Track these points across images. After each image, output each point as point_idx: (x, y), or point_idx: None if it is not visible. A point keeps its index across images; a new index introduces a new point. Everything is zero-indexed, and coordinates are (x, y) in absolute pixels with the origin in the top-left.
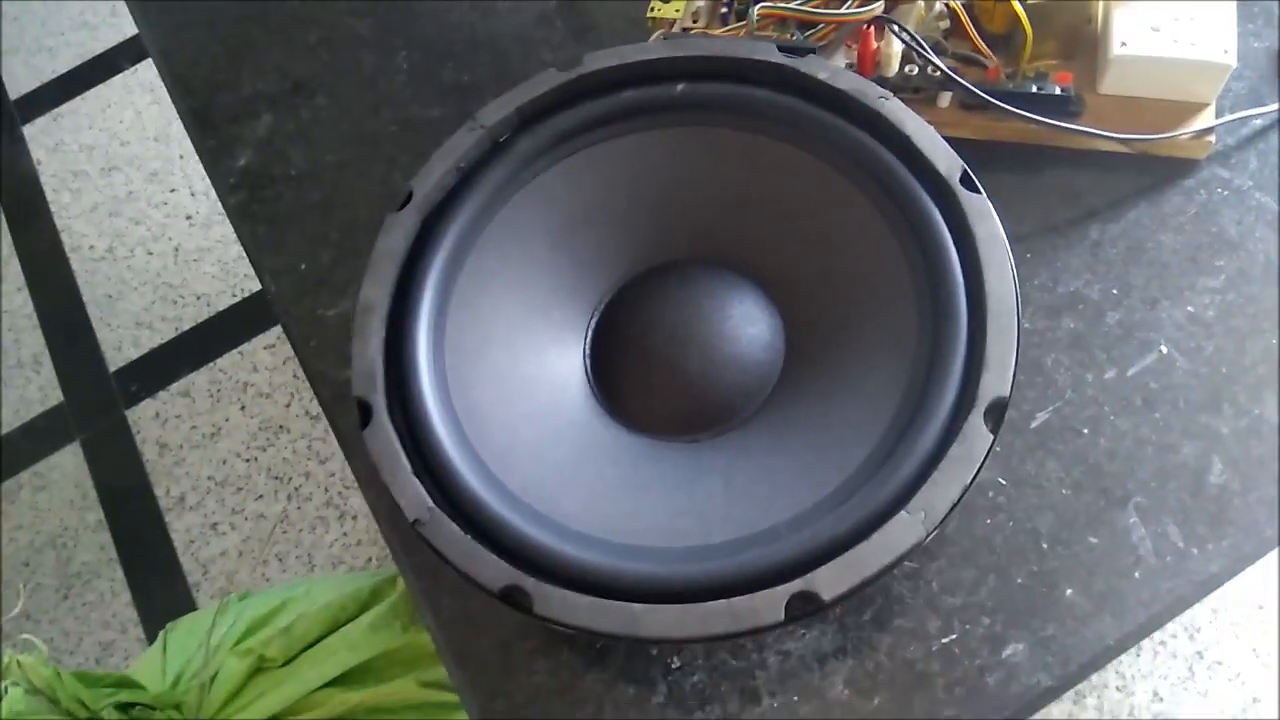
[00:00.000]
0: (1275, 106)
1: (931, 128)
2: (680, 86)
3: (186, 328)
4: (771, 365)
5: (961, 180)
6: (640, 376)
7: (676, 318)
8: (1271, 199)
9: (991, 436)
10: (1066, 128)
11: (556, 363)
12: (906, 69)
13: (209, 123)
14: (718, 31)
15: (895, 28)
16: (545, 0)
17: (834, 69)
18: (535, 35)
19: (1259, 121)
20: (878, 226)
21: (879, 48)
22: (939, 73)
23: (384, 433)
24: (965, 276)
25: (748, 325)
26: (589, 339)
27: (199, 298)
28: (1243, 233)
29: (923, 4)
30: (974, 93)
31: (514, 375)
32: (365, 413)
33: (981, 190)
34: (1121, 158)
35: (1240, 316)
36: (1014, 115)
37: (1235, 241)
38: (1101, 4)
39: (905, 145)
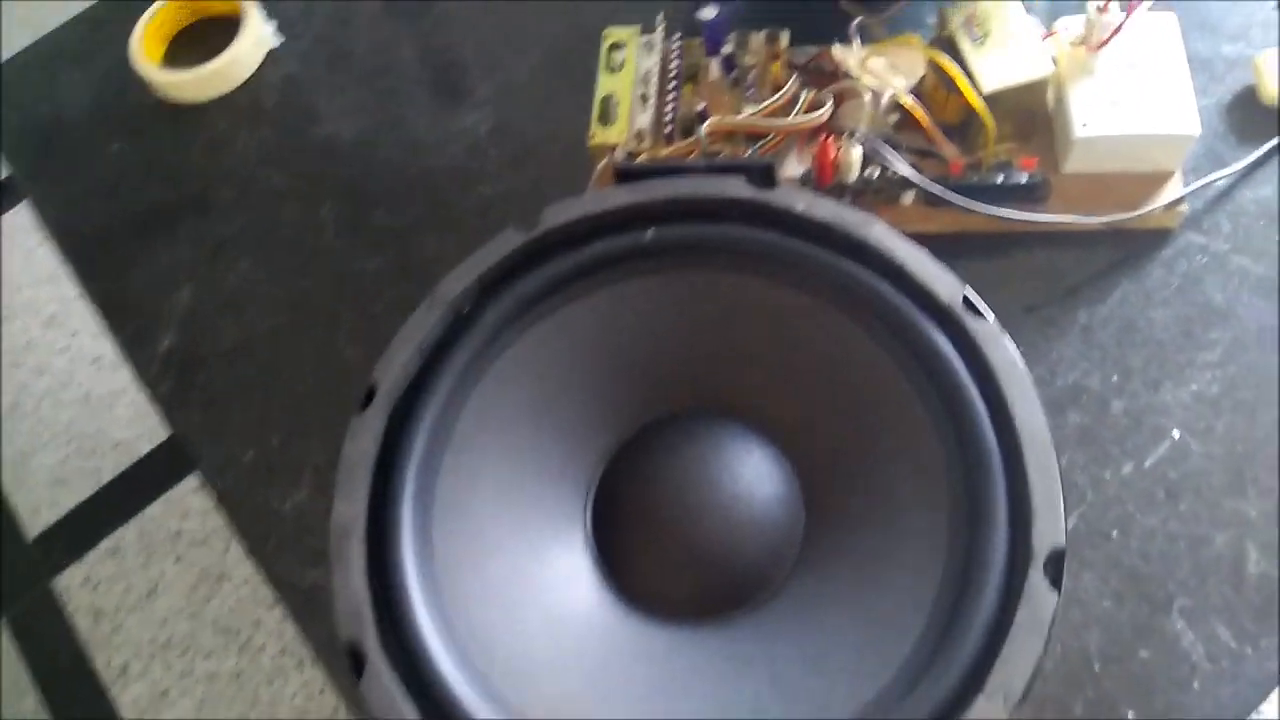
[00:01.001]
0: (1237, 166)
1: (924, 251)
2: (649, 232)
3: (107, 479)
4: (793, 524)
5: (965, 305)
6: (652, 555)
7: (681, 482)
8: (1250, 261)
9: (1056, 594)
10: (1037, 219)
11: (560, 558)
12: (867, 172)
13: (123, 305)
14: (665, 151)
15: (855, 135)
16: (474, 129)
17: (809, 198)
18: (469, 168)
19: (1223, 182)
20: (884, 363)
21: (837, 155)
22: (901, 175)
23: (383, 686)
24: (990, 413)
25: (760, 482)
26: (589, 523)
27: (116, 445)
28: (1229, 300)
29: (869, 100)
30: (939, 193)
31: (516, 582)
32: (358, 662)
33: (987, 314)
34: (1097, 233)
35: (1245, 389)
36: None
37: (1224, 310)
38: (1055, 83)
39: (898, 273)
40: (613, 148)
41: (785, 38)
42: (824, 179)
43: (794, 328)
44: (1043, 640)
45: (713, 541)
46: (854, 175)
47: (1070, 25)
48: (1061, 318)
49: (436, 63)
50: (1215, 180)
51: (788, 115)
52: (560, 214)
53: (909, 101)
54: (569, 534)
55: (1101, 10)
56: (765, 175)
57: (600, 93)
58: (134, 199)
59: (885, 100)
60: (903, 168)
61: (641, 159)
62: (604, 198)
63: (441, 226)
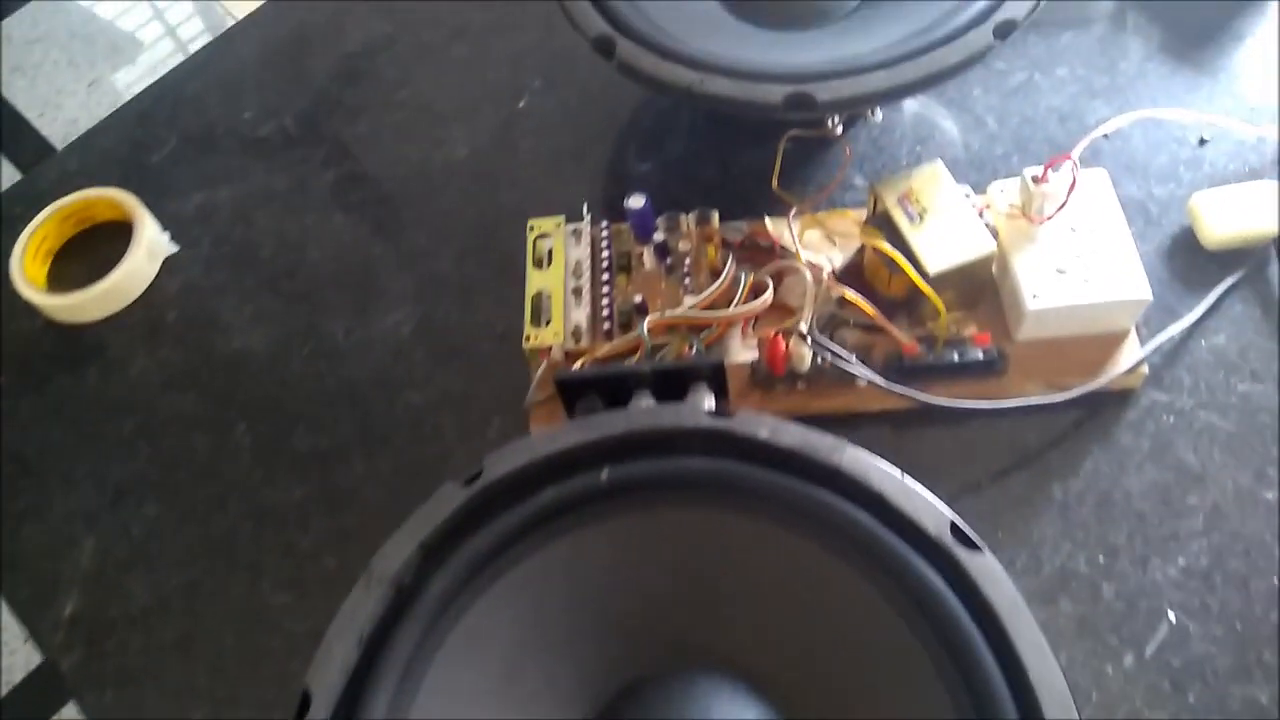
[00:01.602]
0: (1189, 318)
1: (905, 480)
2: (604, 473)
3: None
4: None
5: (955, 536)
6: None
7: None
8: (1216, 416)
9: None
10: (999, 405)
11: None
12: (820, 359)
13: (15, 565)
14: (605, 349)
15: (802, 333)
16: (396, 330)
17: (772, 423)
18: (394, 374)
19: (1177, 333)
20: (874, 602)
21: (788, 349)
22: (854, 361)
23: None
24: (998, 662)
25: None
26: None
27: None
28: (1202, 460)
29: (809, 276)
30: (894, 382)
31: None
32: None
33: (980, 545)
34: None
35: (1233, 558)
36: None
37: (1199, 473)
38: (998, 253)
39: (878, 501)
40: (549, 350)
41: (715, 218)
42: (776, 369)
43: (772, 566)
44: None
45: None
46: (806, 366)
47: (1004, 191)
48: (1036, 495)
49: (349, 259)
50: (1170, 334)
51: (729, 302)
52: (503, 462)
53: (850, 295)
54: None
55: (1039, 181)
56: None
57: (531, 289)
58: (21, 441)
59: (826, 276)
60: (854, 367)
61: (582, 362)
62: (550, 439)
63: (369, 444)
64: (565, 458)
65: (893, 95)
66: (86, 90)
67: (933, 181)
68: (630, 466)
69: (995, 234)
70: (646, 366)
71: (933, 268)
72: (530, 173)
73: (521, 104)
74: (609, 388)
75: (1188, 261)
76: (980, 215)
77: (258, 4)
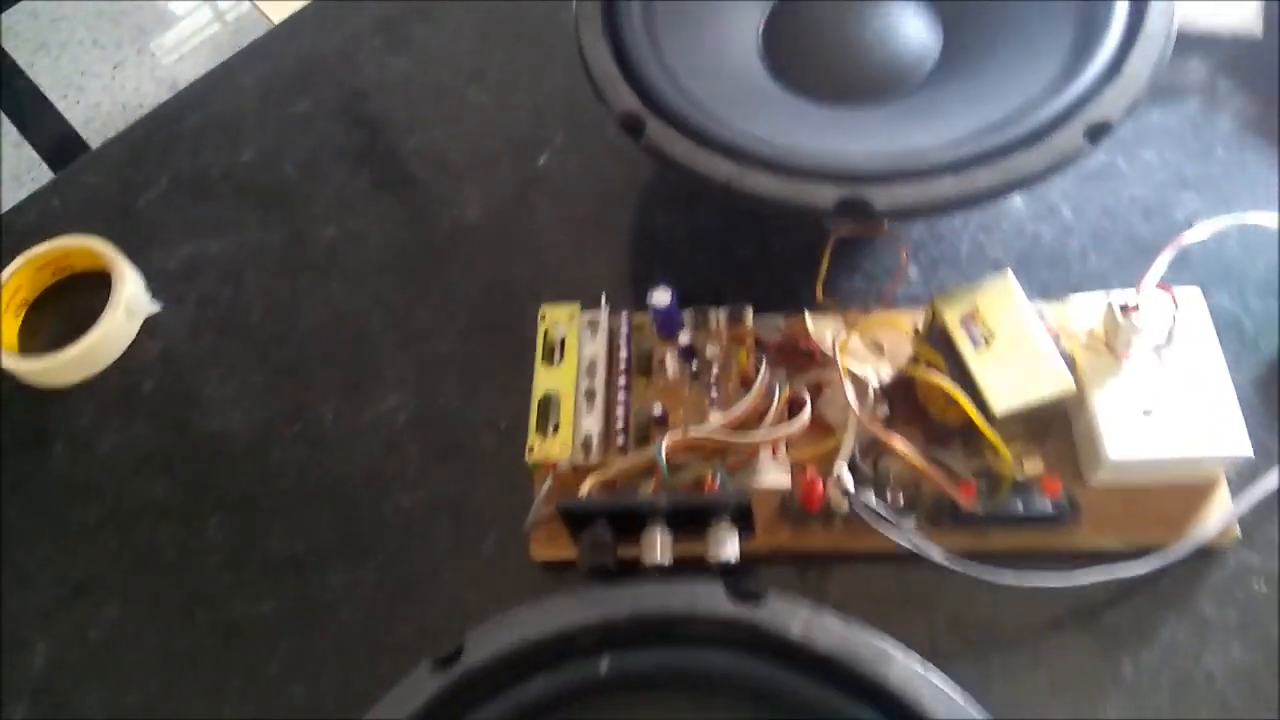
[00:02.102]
0: None
1: (957, 694)
2: (605, 662)
3: None
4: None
5: None
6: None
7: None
8: None
9: None
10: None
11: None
12: (863, 496)
13: None
14: (616, 466)
15: (844, 479)
16: (391, 418)
17: (807, 616)
18: (384, 470)
19: (1273, 481)
20: None
21: (825, 491)
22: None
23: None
24: None
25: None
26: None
27: None
28: None
29: (853, 395)
30: (945, 525)
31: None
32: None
33: None
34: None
35: None
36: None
37: None
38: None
39: None
40: (554, 465)
41: (749, 315)
42: (811, 508)
43: None
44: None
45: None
46: (845, 507)
47: (1083, 310)
48: (1102, 669)
49: (345, 329)
50: (1268, 486)
51: (760, 415)
52: (487, 642)
53: (899, 446)
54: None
55: (1128, 311)
56: (746, 584)
57: (538, 390)
58: None
59: (872, 391)
60: (899, 533)
61: (590, 484)
62: (543, 615)
63: (350, 553)
64: (559, 640)
65: (962, 204)
66: (111, 73)
67: (1002, 299)
68: (635, 656)
69: (1072, 363)
70: (662, 500)
71: (999, 406)
72: (547, 241)
73: (542, 161)
74: (619, 518)
75: None
76: (1056, 340)
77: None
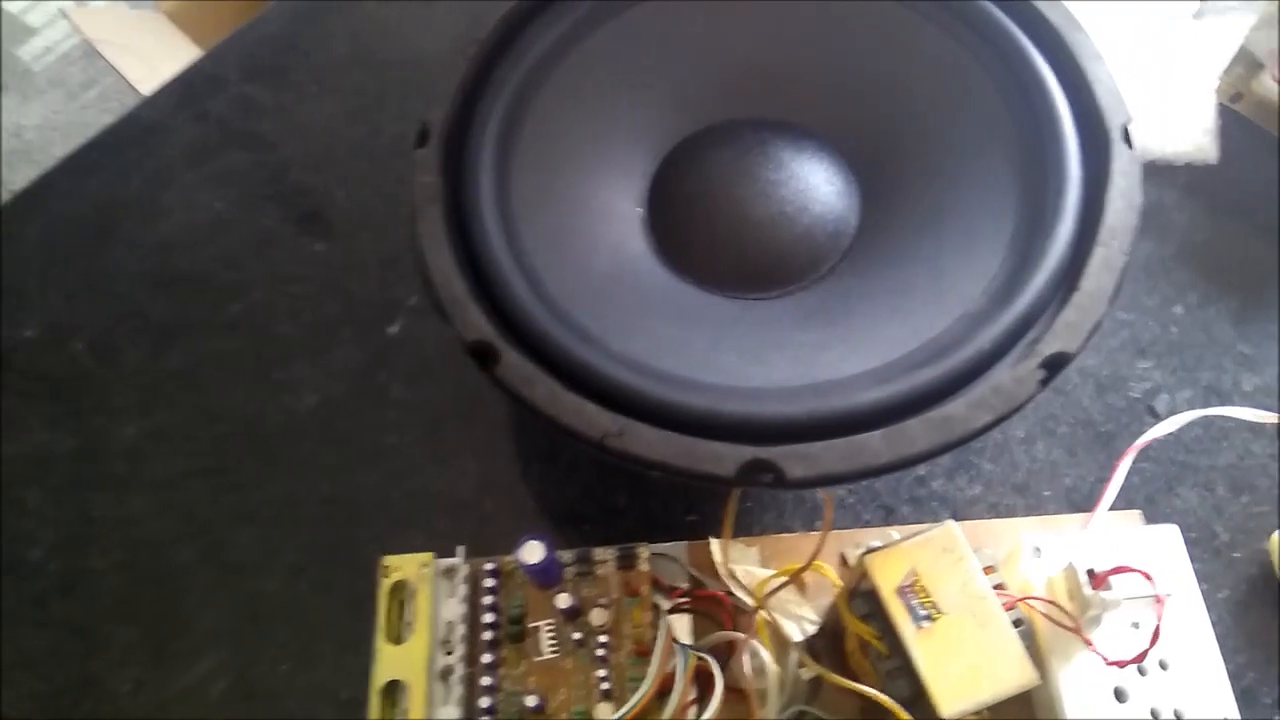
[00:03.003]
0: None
1: None
2: None
3: None
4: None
5: None
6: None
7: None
8: None
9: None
10: None
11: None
12: None
13: None
14: None
15: None
16: (202, 691)
17: None
18: None
19: None
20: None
21: None
22: None
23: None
24: None
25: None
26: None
27: None
28: None
29: (770, 664)
30: None
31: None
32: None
33: None
34: None
35: None
36: None
37: None
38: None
39: None
40: None
41: (644, 558)
42: None
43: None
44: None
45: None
46: None
47: (1041, 556)
48: None
49: (146, 567)
50: None
51: (667, 702)
52: None
53: None
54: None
55: (1096, 583)
56: None
57: (380, 675)
58: None
59: (794, 652)
60: None
61: None
62: None
63: None
64: None
65: (892, 469)
66: None
67: (947, 558)
68: None
69: (1031, 634)
70: None
71: (948, 708)
72: (400, 439)
73: (394, 329)
74: None
75: (1270, 620)
76: (1012, 608)
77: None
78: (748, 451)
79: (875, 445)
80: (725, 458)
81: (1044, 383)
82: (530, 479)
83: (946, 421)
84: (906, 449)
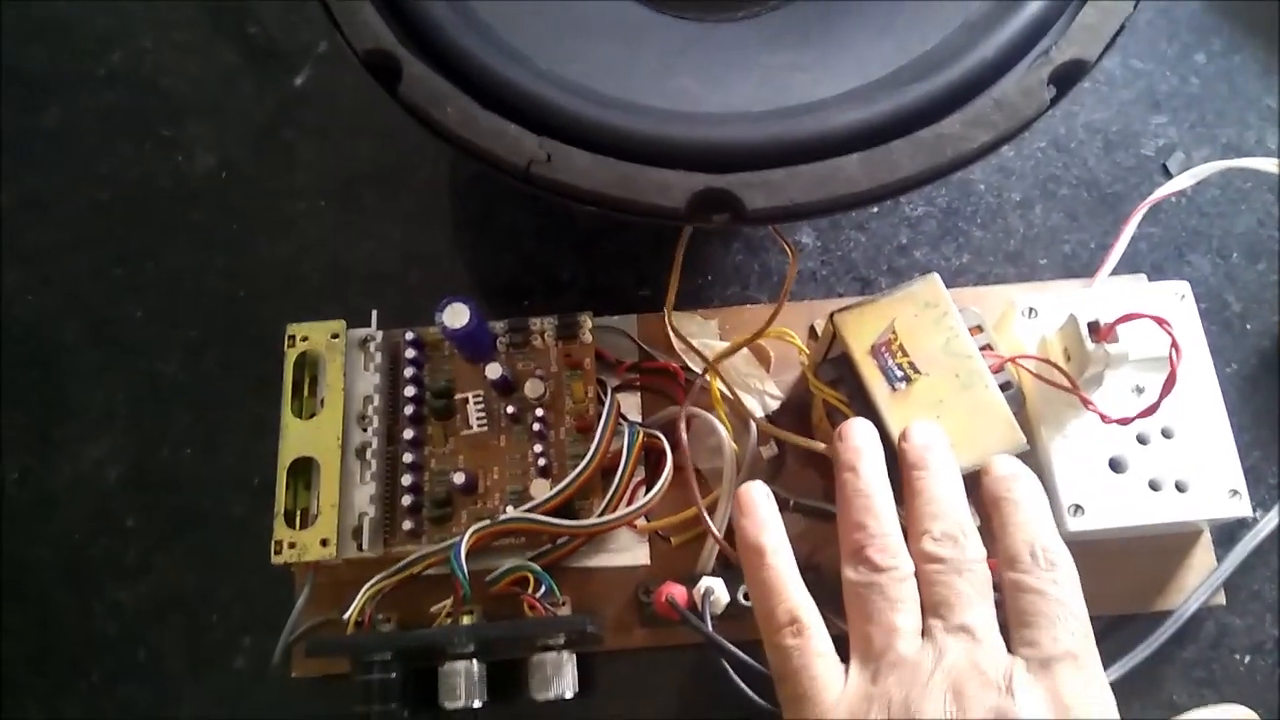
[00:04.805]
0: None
1: None
2: None
3: None
4: None
5: None
6: None
7: None
8: None
9: None
10: None
11: None
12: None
13: None
14: (401, 574)
15: (713, 590)
16: (96, 477)
17: None
18: (91, 556)
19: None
20: None
21: (690, 598)
22: None
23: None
24: None
25: None
26: None
27: None
28: None
29: (728, 441)
30: None
31: None
32: None
33: None
34: None
35: None
36: None
37: None
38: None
39: None
40: (315, 565)
41: (588, 326)
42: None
43: None
44: None
45: None
46: (722, 608)
47: (1037, 316)
48: None
49: (30, 342)
50: (1260, 533)
51: (609, 471)
52: None
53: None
54: None
55: (1099, 337)
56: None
57: (287, 455)
58: None
59: (754, 426)
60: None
61: (363, 598)
62: None
63: (53, 685)
64: None
65: (872, 199)
66: None
67: (929, 314)
68: None
69: (1020, 399)
70: (463, 636)
71: None
72: (309, 205)
73: (300, 79)
74: (409, 651)
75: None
76: (999, 369)
77: None
78: (700, 180)
79: (851, 170)
80: (673, 187)
81: (1055, 100)
82: (462, 247)
83: (938, 141)
84: (888, 174)
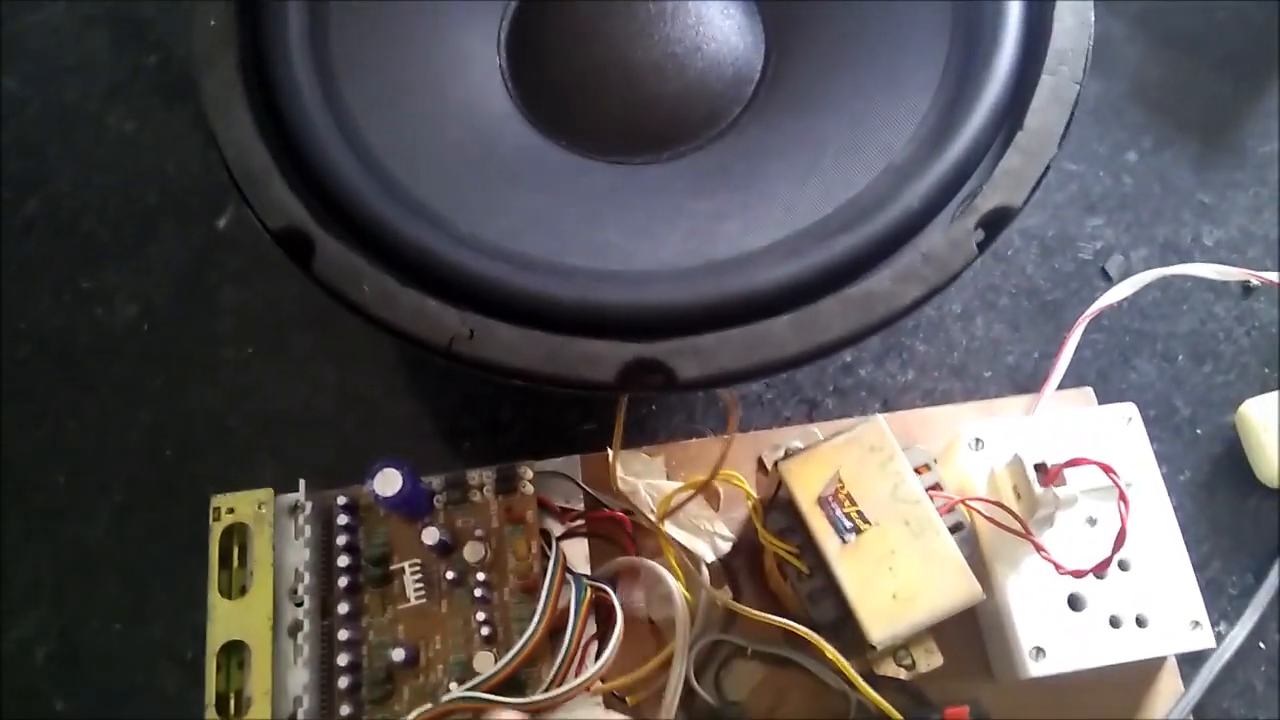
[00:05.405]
0: (1251, 616)
1: None
2: None
3: None
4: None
5: None
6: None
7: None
8: None
9: None
10: None
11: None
12: None
13: None
14: None
15: None
16: (24, 659)
17: None
18: None
19: (1237, 643)
20: None
21: None
22: None
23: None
24: None
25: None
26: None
27: None
28: None
29: (678, 595)
30: None
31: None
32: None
33: None
34: None
35: None
36: None
37: None
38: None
39: None
40: None
41: (528, 478)
42: None
43: None
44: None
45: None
46: None
47: (979, 452)
48: None
49: None
50: (1225, 653)
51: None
52: None
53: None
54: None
55: (1046, 479)
56: None
57: (216, 639)
58: None
59: (707, 570)
60: None
61: None
62: None
63: None
64: None
65: (801, 362)
66: None
67: (874, 459)
68: None
69: (973, 540)
70: None
71: (878, 632)
72: (237, 353)
73: (223, 222)
74: None
75: (1236, 503)
76: (951, 510)
77: None
78: (630, 350)
79: (781, 333)
80: (603, 359)
81: (983, 245)
82: (398, 391)
83: (867, 299)
84: (819, 336)
